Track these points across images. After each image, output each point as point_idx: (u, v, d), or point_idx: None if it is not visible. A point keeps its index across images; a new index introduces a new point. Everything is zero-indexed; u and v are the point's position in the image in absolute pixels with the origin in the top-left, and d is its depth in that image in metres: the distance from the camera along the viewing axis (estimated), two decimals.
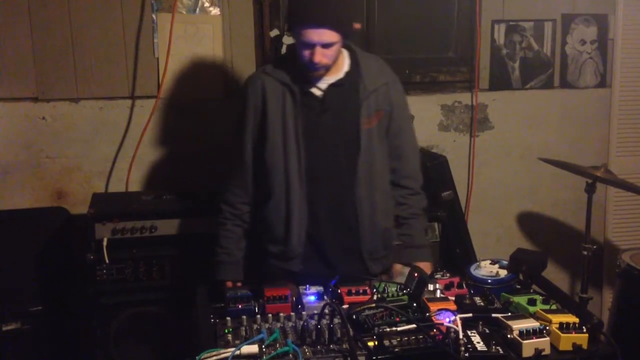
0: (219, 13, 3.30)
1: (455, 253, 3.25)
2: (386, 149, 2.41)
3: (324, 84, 2.31)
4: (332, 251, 2.38)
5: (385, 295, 2.07)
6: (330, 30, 2.16)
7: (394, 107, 2.40)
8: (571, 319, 1.85)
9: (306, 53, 2.20)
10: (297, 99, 2.29)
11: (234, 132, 2.44)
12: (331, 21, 2.16)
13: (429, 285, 2.09)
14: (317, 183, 2.33)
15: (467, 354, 1.72)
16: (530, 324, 1.82)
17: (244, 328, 1.86)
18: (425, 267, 2.36)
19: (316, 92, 2.32)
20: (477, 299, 2.03)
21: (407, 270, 2.28)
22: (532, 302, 2.01)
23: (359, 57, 2.38)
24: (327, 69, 2.27)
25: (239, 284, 2.38)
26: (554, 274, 3.83)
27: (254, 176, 2.40)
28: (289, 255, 2.36)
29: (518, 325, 1.81)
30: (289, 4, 2.25)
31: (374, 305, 1.92)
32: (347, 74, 2.34)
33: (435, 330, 1.81)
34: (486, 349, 1.75)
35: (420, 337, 1.77)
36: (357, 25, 2.29)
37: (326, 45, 2.18)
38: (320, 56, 2.19)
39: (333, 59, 2.25)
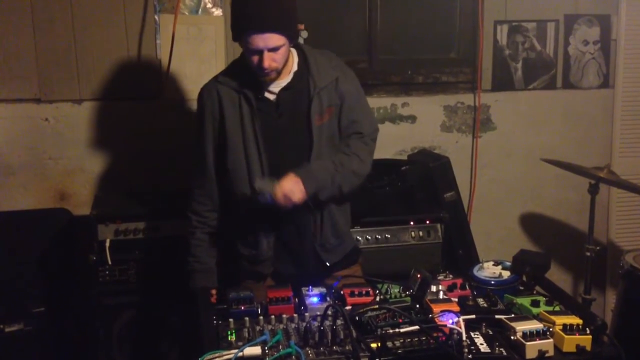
0: (221, 14, 3.30)
1: (458, 254, 3.25)
2: (336, 144, 2.39)
3: (276, 87, 2.32)
4: (297, 250, 2.40)
5: (388, 296, 2.08)
6: (275, 34, 2.16)
7: (344, 98, 2.38)
8: (575, 320, 1.85)
9: (255, 59, 2.21)
10: (253, 105, 2.30)
11: (193, 143, 2.43)
12: (275, 25, 2.16)
13: (432, 286, 2.09)
14: None
15: (470, 356, 1.73)
16: (534, 325, 1.81)
17: (246, 329, 1.86)
18: (291, 179, 2.21)
19: (270, 96, 2.33)
20: (480, 301, 2.03)
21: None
22: (535, 304, 2.01)
23: (308, 55, 2.37)
24: (278, 72, 2.27)
25: (213, 291, 2.39)
26: (557, 275, 3.83)
27: (218, 184, 2.40)
28: (260, 259, 2.38)
29: (521, 326, 1.80)
30: (231, 13, 2.24)
31: (376, 306, 1.91)
32: (296, 74, 2.35)
33: (438, 331, 1.80)
34: (489, 351, 1.75)
35: (423, 338, 1.76)
36: (301, 26, 2.29)
37: (273, 49, 2.18)
38: (269, 61, 2.19)
39: (282, 62, 2.25)
